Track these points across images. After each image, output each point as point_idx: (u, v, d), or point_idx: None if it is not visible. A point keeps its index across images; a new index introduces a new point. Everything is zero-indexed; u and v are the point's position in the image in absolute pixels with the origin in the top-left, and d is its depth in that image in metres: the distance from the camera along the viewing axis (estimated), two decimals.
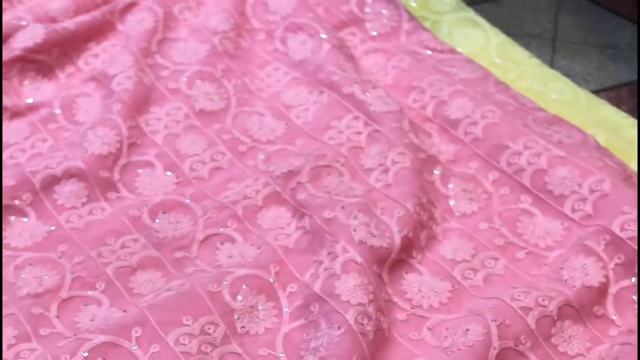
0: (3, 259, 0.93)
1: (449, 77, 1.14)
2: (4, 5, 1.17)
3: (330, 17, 1.24)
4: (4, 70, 1.12)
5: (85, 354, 0.81)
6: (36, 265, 0.92)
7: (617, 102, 1.20)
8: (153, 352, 0.81)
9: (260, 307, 0.88)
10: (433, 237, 0.97)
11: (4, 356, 0.86)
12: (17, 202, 0.98)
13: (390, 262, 0.91)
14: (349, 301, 0.84)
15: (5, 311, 0.87)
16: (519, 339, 0.84)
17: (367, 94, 1.09)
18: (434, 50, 1.21)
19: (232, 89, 1.14)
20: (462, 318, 0.86)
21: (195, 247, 0.94)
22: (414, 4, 1.28)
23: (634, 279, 0.91)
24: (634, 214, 0.94)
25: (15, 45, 1.15)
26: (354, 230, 0.91)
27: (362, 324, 0.83)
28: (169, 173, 1.03)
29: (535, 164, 1.02)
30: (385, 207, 0.96)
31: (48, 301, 0.88)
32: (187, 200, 0.99)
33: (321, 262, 0.90)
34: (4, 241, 0.95)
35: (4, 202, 0.98)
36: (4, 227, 0.96)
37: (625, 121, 1.14)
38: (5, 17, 1.17)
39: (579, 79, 1.13)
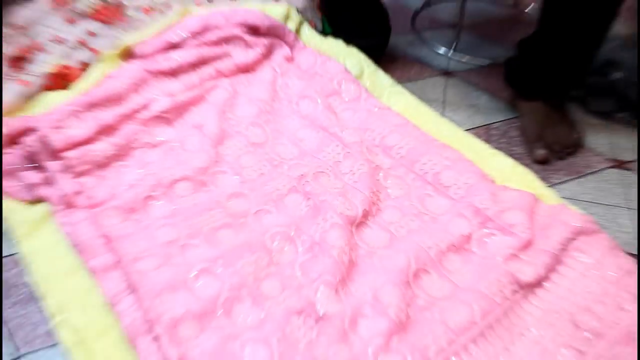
0: (146, 223, 1.00)
1: (386, 123, 1.22)
2: (145, 87, 1.26)
3: (323, 91, 1.31)
4: (149, 123, 1.19)
5: (194, 274, 0.91)
6: (166, 227, 1.00)
7: (486, 137, 1.34)
8: (229, 272, 0.92)
9: (286, 248, 0.97)
10: (379, 209, 1.05)
11: None
12: (155, 193, 1.06)
13: (357, 223, 1.01)
14: (334, 244, 0.95)
15: (149, 251, 0.95)
16: (425, 263, 0.94)
17: (343, 132, 1.19)
18: (379, 108, 1.28)
19: (269, 131, 1.22)
20: (395, 252, 0.96)
21: (250, 216, 1.03)
22: (368, 82, 1.37)
23: (487, 230, 0.99)
24: (487, 195, 1.02)
25: (153, 109, 1.22)
26: (337, 206, 1.01)
27: (342, 257, 0.93)
28: (235, 177, 1.11)
29: (434, 169, 1.11)
30: (354, 193, 1.05)
31: (173, 246, 0.96)
32: (246, 192, 1.08)
33: (319, 224, 0.99)
34: (150, 212, 1.03)
35: (148, 193, 1.05)
36: (148, 208, 1.03)
37: (481, 146, 1.21)
38: (146, 95, 1.25)
39: (457, 123, 1.26)
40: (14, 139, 1.16)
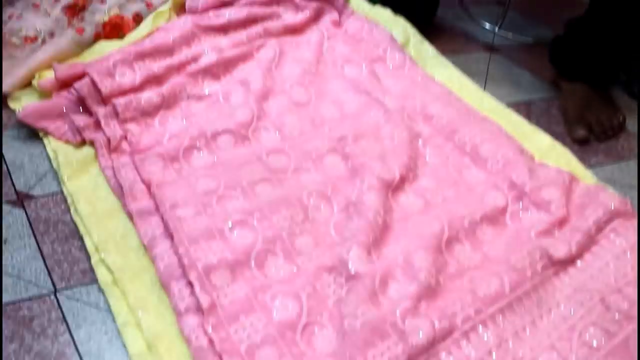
0: (187, 172, 1.00)
1: (429, 92, 1.21)
2: (195, 41, 1.26)
3: (367, 57, 1.31)
4: (196, 75, 1.19)
5: (230, 224, 0.90)
6: (205, 177, 0.99)
7: (526, 113, 1.31)
8: (264, 226, 0.91)
9: (322, 206, 0.96)
10: (416, 176, 1.04)
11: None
12: (197, 144, 1.06)
13: (393, 187, 0.99)
14: (370, 206, 0.93)
15: (188, 199, 0.94)
16: (458, 231, 0.92)
17: (385, 98, 1.18)
18: (422, 77, 1.27)
19: (312, 92, 1.21)
20: (429, 219, 0.94)
21: (289, 173, 1.02)
22: (412, 52, 1.36)
23: (521, 205, 0.97)
24: (525, 170, 1.00)
25: (201, 63, 1.22)
26: (375, 169, 0.99)
27: (376, 219, 0.91)
28: (277, 134, 1.10)
29: (472, 141, 1.09)
30: (392, 158, 1.04)
31: (212, 196, 0.95)
32: (286, 149, 1.07)
33: (356, 185, 0.98)
34: (191, 161, 1.03)
35: (191, 143, 1.05)
36: (190, 158, 1.03)
37: (522, 121, 1.20)
38: (196, 48, 1.25)
39: (498, 98, 1.25)
40: (65, 84, 1.16)
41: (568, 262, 0.89)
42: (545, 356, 0.78)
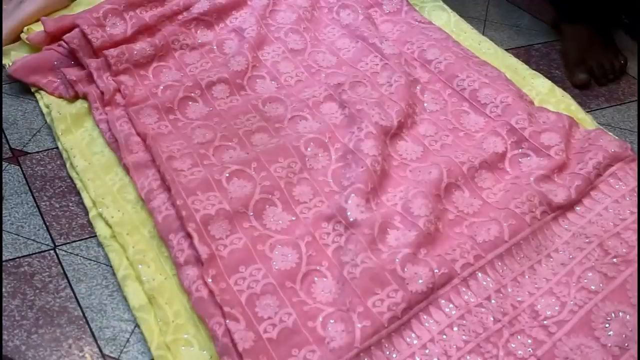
0: (182, 123, 0.99)
1: (427, 37, 1.19)
2: None
3: (363, 1, 1.28)
4: (189, 25, 1.17)
5: (227, 175, 0.89)
6: (201, 128, 0.99)
7: (526, 57, 1.29)
8: (262, 175, 0.90)
9: (319, 155, 0.95)
10: (414, 122, 1.02)
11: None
12: (192, 94, 1.05)
13: (391, 134, 0.98)
14: (367, 153, 0.92)
15: (184, 151, 0.94)
16: (457, 178, 0.91)
17: (382, 43, 1.15)
18: (419, 22, 1.25)
19: (308, 38, 1.19)
20: (428, 165, 0.94)
21: (286, 121, 1.01)
22: None
23: (520, 150, 0.97)
24: (525, 115, 0.99)
25: (193, 11, 1.20)
26: (372, 116, 0.98)
27: (374, 166, 0.90)
28: (273, 82, 1.09)
29: (471, 86, 1.07)
30: (390, 105, 1.02)
31: (208, 147, 0.96)
32: (282, 97, 1.06)
33: (353, 132, 0.97)
34: (187, 112, 1.02)
35: (186, 94, 1.04)
36: (185, 109, 1.02)
37: (521, 66, 1.19)
38: None
39: (497, 43, 1.24)
40: (55, 37, 1.14)
41: (567, 207, 0.88)
42: (544, 301, 0.78)
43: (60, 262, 0.85)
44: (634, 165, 0.94)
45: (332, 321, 0.75)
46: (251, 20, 1.19)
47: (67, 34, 1.10)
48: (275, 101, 1.05)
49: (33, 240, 0.88)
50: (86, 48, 1.10)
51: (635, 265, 0.81)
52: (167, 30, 1.15)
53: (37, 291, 0.81)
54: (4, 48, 1.17)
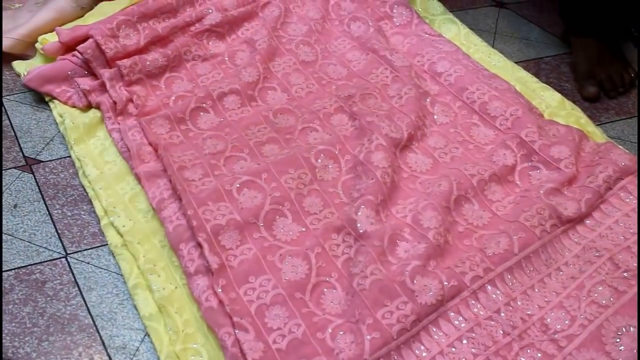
0: (194, 133, 0.99)
1: (437, 50, 1.18)
2: (200, 0, 1.24)
3: (374, 14, 1.28)
4: (201, 36, 1.18)
5: (238, 185, 0.89)
6: (212, 138, 0.99)
7: (536, 70, 1.29)
8: (272, 186, 0.90)
9: (330, 166, 0.95)
10: (424, 135, 1.02)
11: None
12: (204, 105, 1.05)
13: (401, 146, 0.98)
14: (377, 165, 0.91)
15: (195, 161, 0.94)
16: (467, 190, 0.91)
17: (392, 55, 1.15)
18: (430, 34, 1.25)
19: (319, 50, 1.19)
20: (437, 178, 0.93)
21: (296, 133, 1.01)
22: (420, 9, 1.34)
23: (530, 163, 0.96)
24: (534, 128, 0.98)
25: (205, 23, 1.20)
26: (382, 128, 0.98)
27: (384, 178, 0.90)
28: (283, 93, 1.10)
29: (481, 98, 1.07)
30: (400, 117, 1.02)
31: (219, 158, 0.96)
32: (293, 108, 1.06)
33: (363, 144, 0.97)
34: (198, 123, 1.02)
35: (197, 105, 1.04)
36: (197, 120, 1.02)
37: (531, 79, 1.19)
38: (200, 8, 1.22)
39: (507, 55, 1.23)
40: (70, 47, 1.15)
41: (577, 220, 0.87)
42: (553, 315, 0.77)
43: (71, 270, 0.85)
44: None
45: (341, 333, 0.74)
46: (262, 32, 1.19)
47: (81, 45, 1.11)
48: (286, 112, 1.05)
49: (45, 248, 0.88)
50: (100, 58, 1.11)
51: None
52: (179, 41, 1.16)
53: (49, 299, 0.82)
54: (17, 58, 1.18)
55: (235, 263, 0.81)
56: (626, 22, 1.31)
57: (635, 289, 0.79)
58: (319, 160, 0.95)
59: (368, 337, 0.72)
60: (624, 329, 0.75)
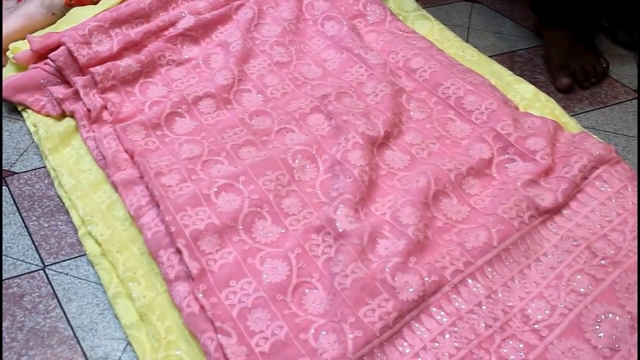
0: (170, 139, 0.99)
1: (411, 46, 1.19)
2: (173, 4, 1.24)
3: (347, 12, 1.28)
4: (175, 40, 1.17)
5: (216, 189, 0.89)
6: (189, 143, 0.99)
7: (509, 63, 1.30)
8: (250, 189, 0.89)
9: (307, 166, 0.95)
10: (400, 131, 1.02)
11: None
12: (179, 109, 1.04)
13: (378, 144, 0.98)
14: (355, 164, 0.91)
15: (172, 166, 0.93)
16: (445, 185, 0.91)
17: (367, 53, 1.15)
18: (403, 31, 1.25)
19: (293, 51, 1.19)
20: (415, 174, 0.93)
21: (273, 134, 1.01)
22: (393, 6, 1.35)
23: (507, 156, 0.97)
24: (510, 121, 0.99)
25: (179, 27, 1.19)
26: (359, 126, 0.98)
27: (362, 176, 0.90)
28: (259, 95, 1.09)
29: (456, 93, 1.07)
30: (376, 114, 1.02)
31: (196, 162, 0.95)
32: (269, 110, 1.05)
33: (340, 143, 0.96)
34: (174, 128, 1.02)
35: (172, 110, 1.03)
36: (172, 125, 1.02)
37: (505, 72, 1.20)
38: (174, 12, 1.21)
39: (481, 49, 1.24)
40: (42, 55, 1.14)
41: (555, 211, 0.88)
42: (534, 305, 0.78)
43: (50, 282, 0.84)
44: (619, 167, 0.94)
45: (324, 333, 0.74)
46: (236, 34, 1.19)
47: (53, 52, 1.10)
48: (262, 114, 1.05)
49: (22, 260, 0.87)
50: (72, 66, 1.10)
51: (623, 266, 0.81)
52: (153, 46, 1.15)
53: (27, 312, 0.81)
54: None
55: (215, 267, 0.80)
56: (596, 14, 1.32)
57: (613, 277, 0.80)
58: (297, 161, 0.95)
59: (351, 335, 0.72)
60: (602, 316, 0.76)
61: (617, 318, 0.75)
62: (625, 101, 1.23)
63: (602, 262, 0.82)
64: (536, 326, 0.76)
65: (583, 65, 1.24)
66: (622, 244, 0.84)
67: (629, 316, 0.75)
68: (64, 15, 1.25)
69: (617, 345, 0.73)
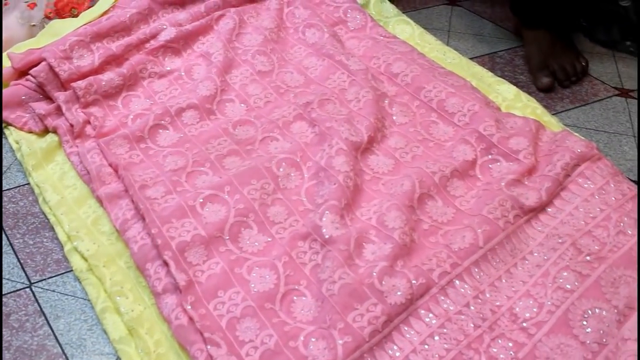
0: (154, 151, 0.99)
1: (392, 51, 1.19)
2: (153, 17, 1.24)
3: (328, 19, 1.30)
4: (156, 52, 1.17)
5: (201, 200, 0.89)
6: (173, 155, 0.99)
7: (490, 65, 1.31)
8: (236, 199, 0.89)
9: (292, 174, 0.95)
10: (384, 136, 1.02)
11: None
12: (162, 122, 1.04)
13: (362, 149, 0.98)
14: (339, 170, 0.92)
15: (157, 179, 0.93)
16: (429, 188, 0.92)
17: (349, 60, 1.16)
18: (384, 36, 1.26)
19: (275, 59, 1.19)
20: (400, 178, 0.94)
21: (257, 143, 1.01)
22: (373, 12, 1.36)
23: (490, 156, 0.97)
24: (492, 122, 0.99)
25: (160, 39, 1.19)
26: (342, 132, 0.98)
27: (347, 182, 0.90)
28: (242, 105, 1.09)
29: (438, 96, 1.08)
30: (359, 120, 1.03)
31: (181, 174, 0.95)
32: (252, 119, 1.06)
33: (324, 150, 0.97)
34: (158, 140, 1.02)
35: (156, 122, 1.03)
36: (156, 137, 1.02)
37: (486, 73, 1.21)
38: (154, 24, 1.22)
39: (462, 52, 1.26)
40: (23, 72, 1.13)
41: (539, 209, 0.89)
42: (522, 303, 0.78)
43: (36, 300, 0.84)
44: (601, 164, 0.95)
45: (313, 339, 0.74)
46: (218, 44, 1.19)
47: (34, 68, 1.10)
48: (246, 124, 1.05)
49: (7, 279, 0.86)
50: (54, 81, 1.10)
51: (608, 261, 0.82)
52: (134, 59, 1.15)
53: (14, 331, 0.80)
54: None
55: (203, 278, 0.80)
56: (574, 13, 1.34)
57: (598, 272, 0.81)
58: (281, 169, 0.95)
59: (340, 341, 0.72)
60: (589, 312, 0.76)
61: (604, 313, 0.76)
62: (605, 98, 1.24)
63: (587, 258, 0.82)
64: (524, 324, 0.76)
65: (563, 64, 1.26)
66: (606, 240, 0.85)
67: (615, 310, 0.76)
68: (43, 27, 1.25)
69: (604, 340, 0.74)
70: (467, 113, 1.04)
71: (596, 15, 1.39)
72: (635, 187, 0.93)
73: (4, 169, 1.04)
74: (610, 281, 0.79)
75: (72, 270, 0.87)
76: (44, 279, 0.87)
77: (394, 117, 1.06)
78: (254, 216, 0.88)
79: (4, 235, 0.92)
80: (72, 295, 0.84)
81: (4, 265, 0.88)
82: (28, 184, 1.00)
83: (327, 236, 0.83)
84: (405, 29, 1.32)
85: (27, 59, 1.12)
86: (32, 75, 1.10)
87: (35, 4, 1.25)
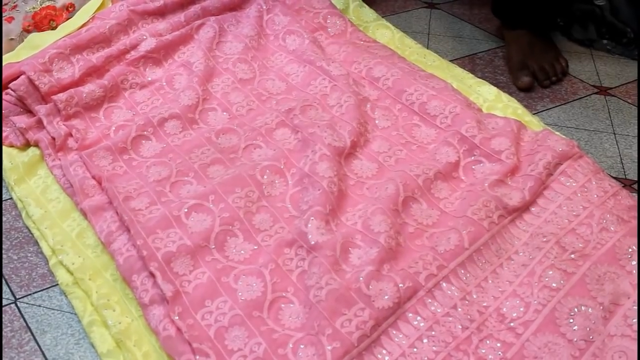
0: (137, 162, 0.99)
1: (373, 55, 1.20)
2: (133, 27, 1.24)
3: (308, 26, 1.29)
4: (137, 63, 1.17)
5: (186, 210, 0.89)
6: (156, 165, 0.98)
7: (471, 66, 1.31)
8: (220, 207, 0.89)
9: (276, 181, 0.95)
10: (367, 140, 1.03)
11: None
12: (145, 132, 1.04)
13: (345, 154, 0.98)
14: (323, 175, 0.92)
15: (141, 190, 0.93)
16: (414, 191, 0.92)
17: (329, 65, 1.16)
18: (364, 41, 1.27)
19: (256, 67, 1.19)
20: (384, 182, 0.94)
21: (240, 151, 1.01)
22: (353, 17, 1.37)
23: (473, 157, 0.98)
24: (474, 123, 1.00)
25: (141, 50, 1.19)
26: (325, 138, 0.98)
27: (331, 187, 0.91)
28: (224, 113, 1.09)
29: (420, 99, 1.08)
30: (341, 125, 1.03)
31: (165, 184, 0.95)
32: (235, 127, 1.06)
33: (307, 156, 0.97)
34: (141, 151, 1.01)
35: (138, 133, 1.03)
36: (139, 148, 1.02)
37: (467, 75, 1.21)
38: (134, 35, 1.22)
39: (442, 54, 1.26)
40: (3, 85, 1.12)
41: (523, 209, 0.89)
42: (509, 303, 0.79)
43: (22, 315, 0.83)
44: (582, 161, 0.96)
45: (302, 346, 0.74)
46: (199, 53, 1.19)
47: (14, 82, 1.09)
48: (229, 132, 1.04)
49: None
50: (34, 94, 1.09)
51: (592, 259, 0.82)
52: (115, 70, 1.14)
53: None
54: None
55: (190, 288, 0.80)
56: (551, 13, 1.35)
57: (583, 270, 0.81)
58: (265, 177, 0.95)
59: (329, 347, 0.72)
60: (576, 309, 0.77)
61: (590, 310, 0.77)
62: (585, 96, 1.25)
63: (572, 256, 0.83)
64: (512, 324, 0.76)
65: (542, 64, 1.27)
66: (590, 237, 0.85)
67: (601, 307, 0.77)
68: (22, 40, 1.24)
69: (591, 337, 0.74)
70: (449, 115, 1.04)
71: (572, 14, 1.41)
72: (617, 184, 0.94)
73: None
74: (595, 278, 0.80)
75: (57, 285, 0.86)
76: (29, 294, 0.86)
77: (377, 122, 1.07)
78: (240, 224, 0.87)
79: None
80: (58, 310, 0.84)
81: None
82: (10, 198, 1.00)
83: (313, 242, 0.83)
84: (385, 33, 1.33)
85: (6, 73, 1.11)
86: (11, 89, 1.09)
87: (12, 18, 1.25)
